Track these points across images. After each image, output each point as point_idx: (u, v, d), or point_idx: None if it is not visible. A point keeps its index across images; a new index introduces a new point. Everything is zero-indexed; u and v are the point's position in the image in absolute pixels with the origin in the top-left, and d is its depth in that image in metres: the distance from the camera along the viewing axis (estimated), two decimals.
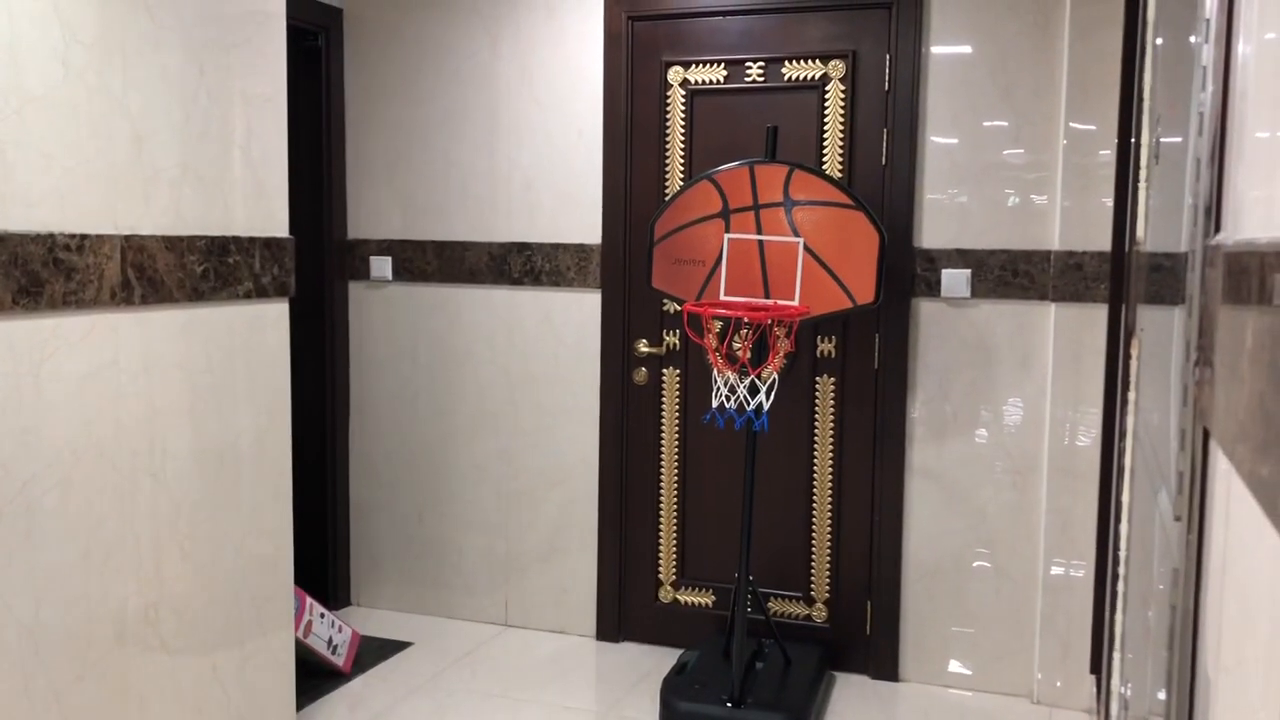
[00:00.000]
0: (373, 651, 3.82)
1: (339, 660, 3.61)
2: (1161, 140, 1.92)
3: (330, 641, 3.59)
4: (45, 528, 2.26)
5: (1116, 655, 2.21)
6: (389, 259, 4.13)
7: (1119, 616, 2.21)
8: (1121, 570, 2.17)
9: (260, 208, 2.81)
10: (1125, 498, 2.13)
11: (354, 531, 4.30)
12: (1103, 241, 3.32)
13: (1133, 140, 2.59)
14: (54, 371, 2.27)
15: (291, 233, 2.93)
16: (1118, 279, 3.19)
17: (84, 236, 2.31)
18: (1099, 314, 3.34)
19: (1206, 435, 0.94)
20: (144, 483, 2.50)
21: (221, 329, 2.71)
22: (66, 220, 2.28)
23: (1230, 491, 0.85)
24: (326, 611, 3.61)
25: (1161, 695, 1.32)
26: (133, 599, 2.47)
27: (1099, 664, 3.17)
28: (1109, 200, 3.30)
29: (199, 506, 2.65)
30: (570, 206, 3.90)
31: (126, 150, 2.42)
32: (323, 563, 4.24)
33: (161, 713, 2.56)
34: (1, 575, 2.17)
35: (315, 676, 3.53)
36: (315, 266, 4.10)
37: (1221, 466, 0.88)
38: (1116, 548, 2.23)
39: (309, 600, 3.53)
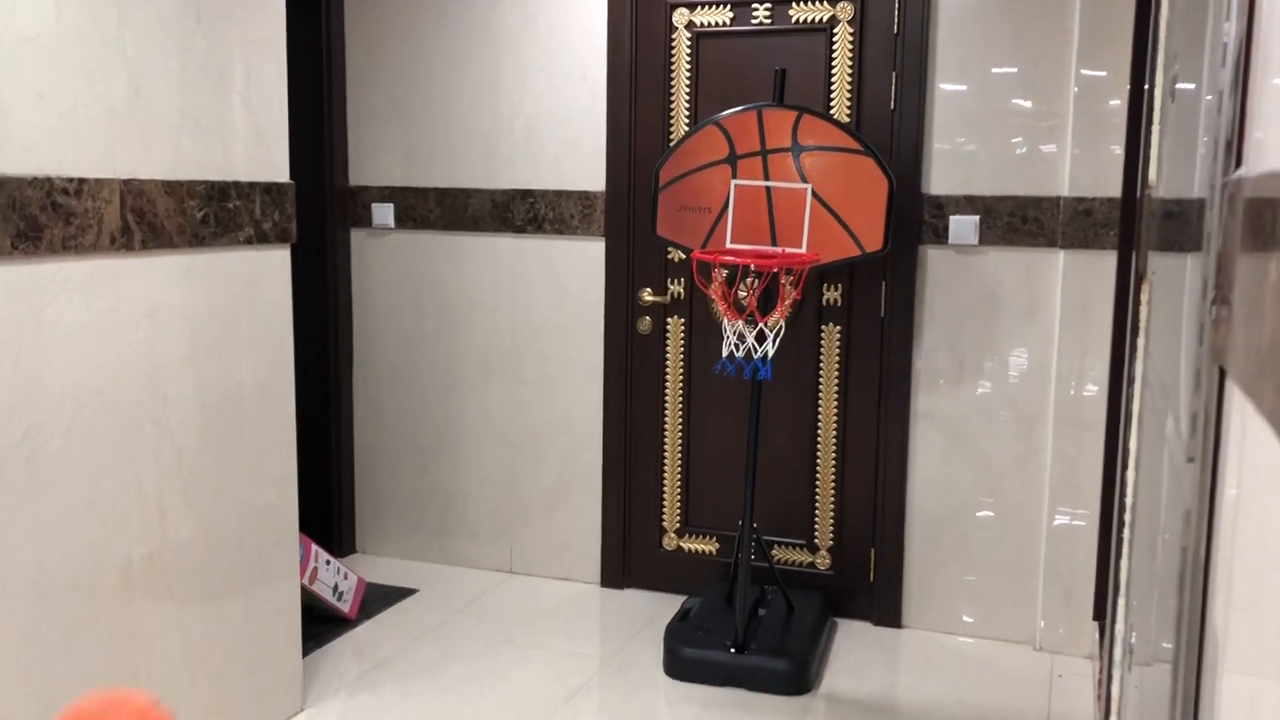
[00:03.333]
0: (378, 598, 3.85)
1: (345, 607, 3.63)
2: (1178, 85, 1.89)
3: (336, 588, 3.61)
4: (49, 475, 2.25)
5: (1121, 601, 2.21)
6: (391, 206, 4.09)
7: (1124, 563, 2.20)
8: (1128, 517, 2.17)
9: (260, 153, 2.78)
10: (1133, 444, 2.11)
11: (359, 479, 4.31)
12: (1113, 188, 3.29)
13: (1146, 86, 2.54)
14: (55, 318, 2.25)
15: (293, 179, 2.90)
16: (1128, 225, 3.16)
17: (82, 180, 2.28)
18: (1108, 261, 3.31)
19: (1222, 375, 0.92)
20: (147, 430, 2.49)
21: (223, 275, 2.69)
22: (65, 164, 2.25)
23: (1246, 430, 0.83)
24: (332, 559, 3.63)
25: (1166, 644, 1.31)
26: (138, 546, 2.48)
27: (1102, 611, 3.19)
28: (1119, 149, 3.26)
29: (203, 454, 2.65)
30: (574, 152, 3.85)
31: (124, 94, 2.38)
32: (328, 510, 4.25)
33: (169, 658, 2.58)
34: (7, 522, 2.17)
35: (321, 623, 3.55)
36: (317, 214, 4.07)
37: (1237, 405, 0.87)
38: (1123, 495, 2.22)
39: (314, 547, 3.54)
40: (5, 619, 2.19)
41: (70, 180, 2.26)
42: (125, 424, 2.43)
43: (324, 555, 3.58)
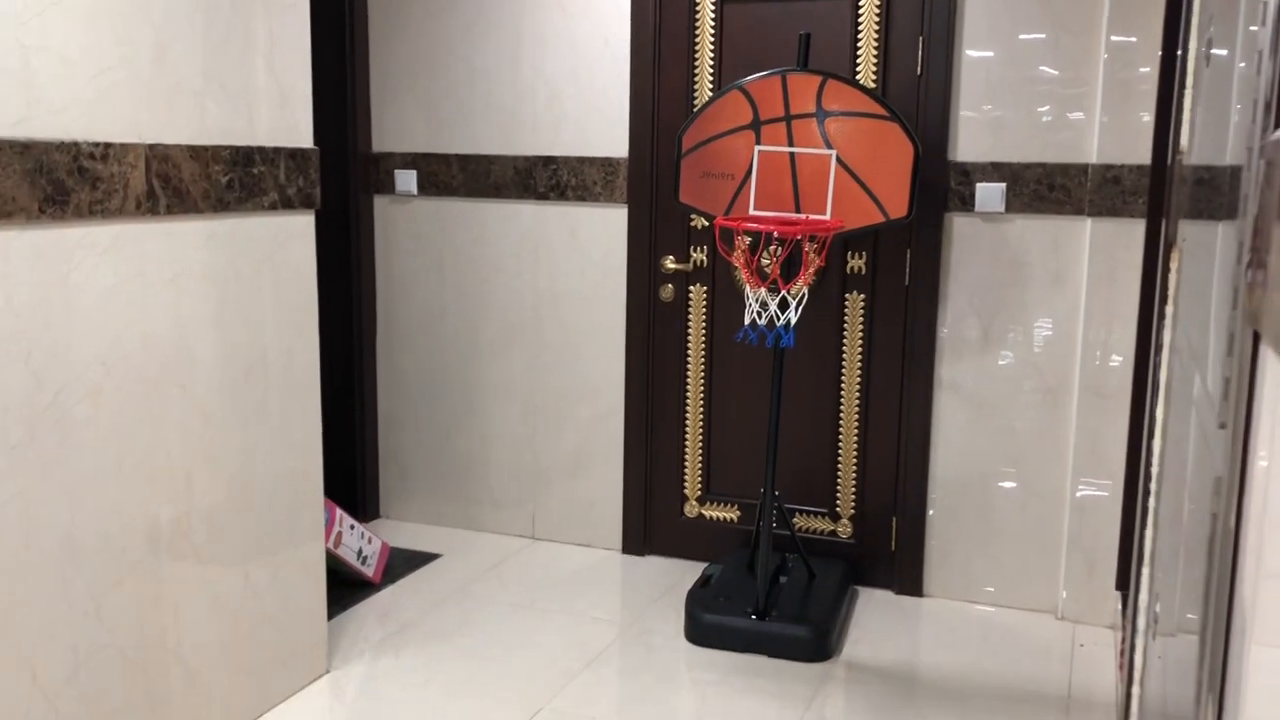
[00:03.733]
0: (402, 563, 3.88)
1: (369, 571, 3.67)
2: (1212, 50, 1.86)
3: (360, 552, 3.64)
4: (78, 437, 2.28)
5: (1145, 571, 2.20)
6: (414, 172, 4.09)
7: (1149, 533, 2.19)
8: (1153, 486, 2.16)
9: (284, 118, 2.78)
10: (1159, 413, 2.10)
11: (383, 445, 4.33)
12: (1142, 155, 3.25)
13: (1179, 52, 2.50)
14: (82, 281, 2.27)
15: (316, 145, 2.90)
16: (1157, 193, 3.12)
17: (108, 145, 2.29)
18: (1136, 229, 3.28)
19: (1256, 339, 0.91)
20: (173, 394, 2.51)
21: (247, 241, 2.69)
22: (91, 128, 2.26)
23: None
24: (356, 523, 3.66)
25: (1191, 614, 1.31)
26: (165, 508, 2.51)
27: (1125, 581, 3.18)
28: (1148, 115, 3.22)
29: (228, 419, 2.67)
30: (596, 119, 3.84)
31: (150, 57, 2.38)
32: (352, 475, 4.29)
33: (196, 619, 2.61)
34: (38, 483, 2.20)
35: (346, 586, 3.59)
36: (340, 180, 4.07)
37: (1272, 369, 0.86)
38: (1149, 464, 2.21)
39: (339, 512, 3.57)
40: (37, 577, 2.22)
41: (97, 145, 2.26)
42: (152, 388, 2.45)
43: (348, 520, 3.62)
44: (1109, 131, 3.29)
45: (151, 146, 2.39)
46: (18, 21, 2.10)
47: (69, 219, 2.22)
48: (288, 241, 2.82)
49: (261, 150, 2.70)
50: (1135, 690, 2.25)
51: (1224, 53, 1.65)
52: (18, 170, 2.10)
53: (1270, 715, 0.83)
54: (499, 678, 3.09)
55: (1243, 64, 1.28)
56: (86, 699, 2.35)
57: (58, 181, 2.18)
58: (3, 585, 2.16)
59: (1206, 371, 1.41)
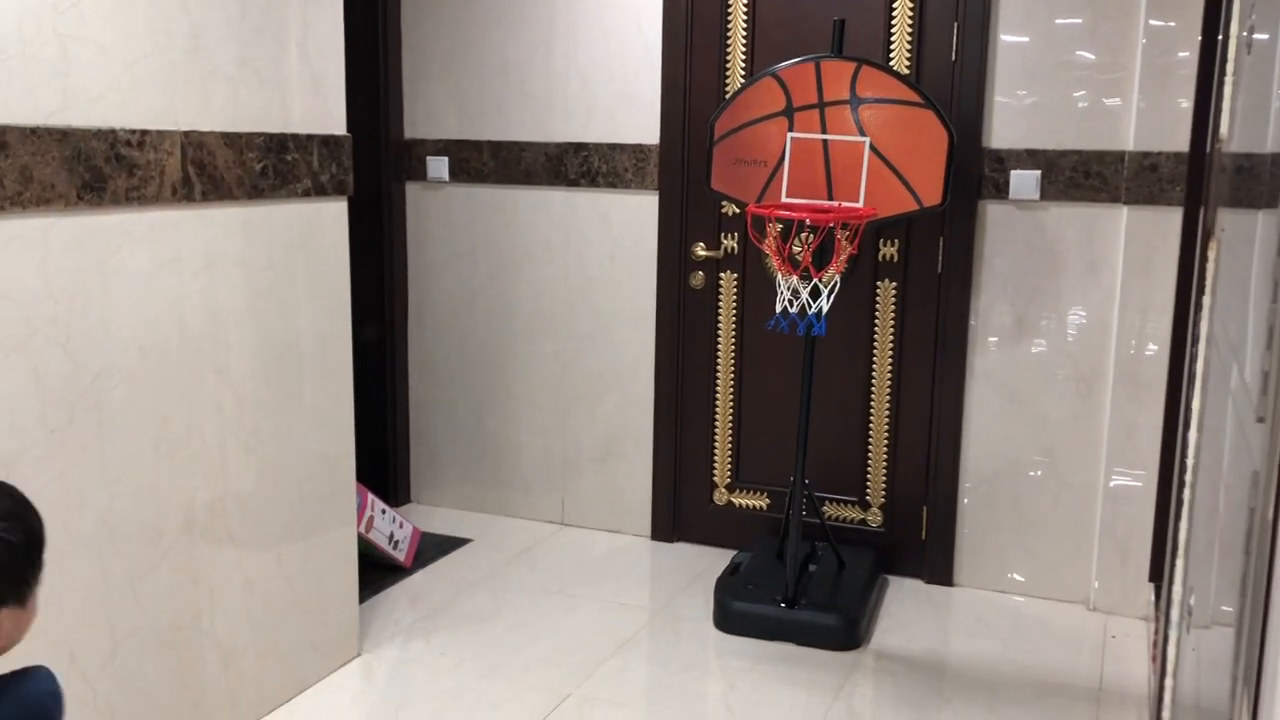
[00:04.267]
0: (433, 547, 3.91)
1: (400, 555, 3.70)
2: (1255, 35, 1.83)
3: (391, 537, 3.67)
4: (116, 421, 2.31)
5: (1179, 563, 2.18)
6: (445, 159, 4.10)
7: (1183, 524, 2.17)
8: (1188, 478, 2.14)
9: (318, 105, 2.79)
10: (1195, 404, 2.08)
11: (414, 430, 4.36)
12: (1180, 142, 3.20)
13: (1219, 37, 2.47)
14: (119, 267, 2.29)
15: (349, 131, 2.91)
16: (1195, 181, 3.08)
17: (144, 132, 2.31)
18: (1173, 217, 3.23)
19: None
20: (209, 379, 2.54)
21: (281, 227, 2.71)
22: (127, 116, 2.28)
23: None
24: (388, 508, 3.68)
25: (1227, 607, 1.30)
26: (200, 492, 2.53)
27: (1159, 572, 3.15)
28: (1187, 102, 3.17)
29: (262, 403, 2.69)
30: (628, 105, 3.83)
31: (185, 45, 2.40)
32: (384, 461, 4.32)
33: (230, 601, 2.64)
34: (77, 466, 2.23)
35: (377, 570, 3.62)
36: (373, 167, 4.09)
37: None
38: (1184, 455, 2.19)
39: (370, 496, 3.60)
40: (75, 558, 2.25)
41: (133, 132, 2.28)
42: (188, 372, 2.48)
43: (380, 504, 3.64)
44: (1146, 118, 3.25)
45: (187, 133, 2.41)
46: (55, 11, 2.12)
47: (106, 206, 2.25)
48: (321, 228, 2.84)
49: (295, 137, 2.71)
50: (1168, 682, 2.23)
51: (1266, 38, 1.63)
52: (56, 158, 2.13)
53: None
54: (529, 662, 3.11)
55: None
56: (123, 679, 2.38)
57: (95, 169, 2.21)
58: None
59: (1245, 363, 1.39)
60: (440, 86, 4.09)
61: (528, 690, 2.95)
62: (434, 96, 4.10)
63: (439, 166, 4.11)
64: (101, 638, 2.32)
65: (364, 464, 3.49)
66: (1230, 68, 2.07)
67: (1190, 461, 2.13)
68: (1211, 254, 2.08)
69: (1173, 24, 3.18)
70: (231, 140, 2.53)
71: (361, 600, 3.18)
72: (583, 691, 2.95)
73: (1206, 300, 2.08)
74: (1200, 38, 3.09)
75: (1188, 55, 3.17)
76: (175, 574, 2.49)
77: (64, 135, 2.14)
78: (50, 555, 2.19)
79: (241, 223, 2.59)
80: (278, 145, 2.66)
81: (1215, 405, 1.88)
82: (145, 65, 2.31)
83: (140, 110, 2.31)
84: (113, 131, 2.24)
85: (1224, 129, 2.10)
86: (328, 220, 2.86)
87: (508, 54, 3.96)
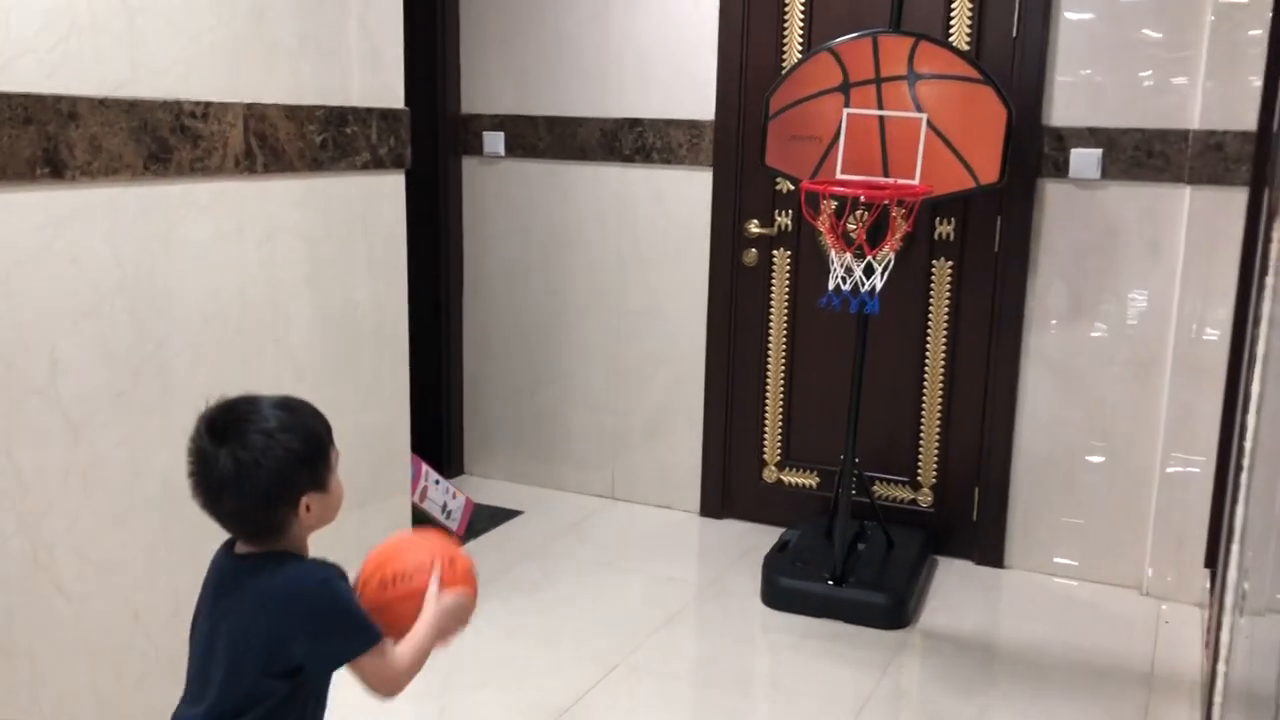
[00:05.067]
0: (485, 519, 3.96)
1: (453, 525, 3.75)
2: None
3: (445, 507, 3.72)
4: (178, 387, 2.37)
5: (1235, 548, 2.15)
6: (501, 134, 4.13)
7: (1239, 509, 2.14)
8: (1245, 462, 2.10)
9: (377, 79, 2.82)
10: (1255, 387, 2.04)
11: (467, 403, 4.41)
12: (1248, 121, 3.13)
13: None
14: (183, 237, 2.35)
15: (407, 106, 2.94)
16: (1262, 160, 3.01)
17: (209, 104, 2.36)
18: (1239, 198, 3.17)
19: None
20: (268, 349, 2.59)
21: (340, 200, 2.75)
22: (191, 88, 2.33)
23: None
24: (441, 479, 3.74)
25: None
26: None
27: (1214, 559, 3.11)
28: (1258, 80, 3.10)
29: (320, 373, 2.74)
30: (683, 80, 3.82)
31: (248, 18, 2.44)
32: (438, 432, 4.37)
33: None
34: (142, 429, 2.29)
35: None
36: (430, 141, 4.13)
37: None
38: (1242, 439, 2.16)
39: (425, 467, 3.65)
40: (140, 520, 2.32)
41: (197, 104, 2.33)
42: (249, 341, 2.53)
43: (434, 475, 3.70)
44: (1213, 96, 3.18)
45: (249, 105, 2.46)
46: None
47: (171, 176, 2.30)
48: (379, 200, 2.88)
49: (354, 110, 2.75)
50: (1220, 668, 2.21)
51: None
52: (124, 129, 2.18)
53: None
54: (578, 632, 3.14)
55: None
56: (184, 639, 2.45)
57: (161, 139, 2.26)
58: (109, 526, 2.26)
59: None
60: (497, 62, 4.11)
61: (577, 660, 2.98)
62: (490, 71, 4.12)
63: (495, 141, 4.14)
64: (164, 598, 2.39)
65: (419, 435, 3.55)
66: None
67: (1248, 445, 2.10)
68: (1276, 234, 2.04)
69: (1244, 1, 3.11)
70: (293, 113, 2.57)
71: None
72: (630, 662, 2.98)
73: (1270, 281, 2.04)
74: (1271, 14, 3.02)
75: (1259, 33, 3.09)
76: None
77: (131, 106, 2.19)
78: (117, 516, 2.26)
79: (301, 194, 2.64)
80: (337, 118, 2.70)
81: (1275, 389, 1.85)
82: (210, 38, 2.36)
83: (205, 82, 2.36)
84: (178, 103, 2.29)
85: None
86: (385, 193, 2.90)
87: (564, 29, 3.97)
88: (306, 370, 2.70)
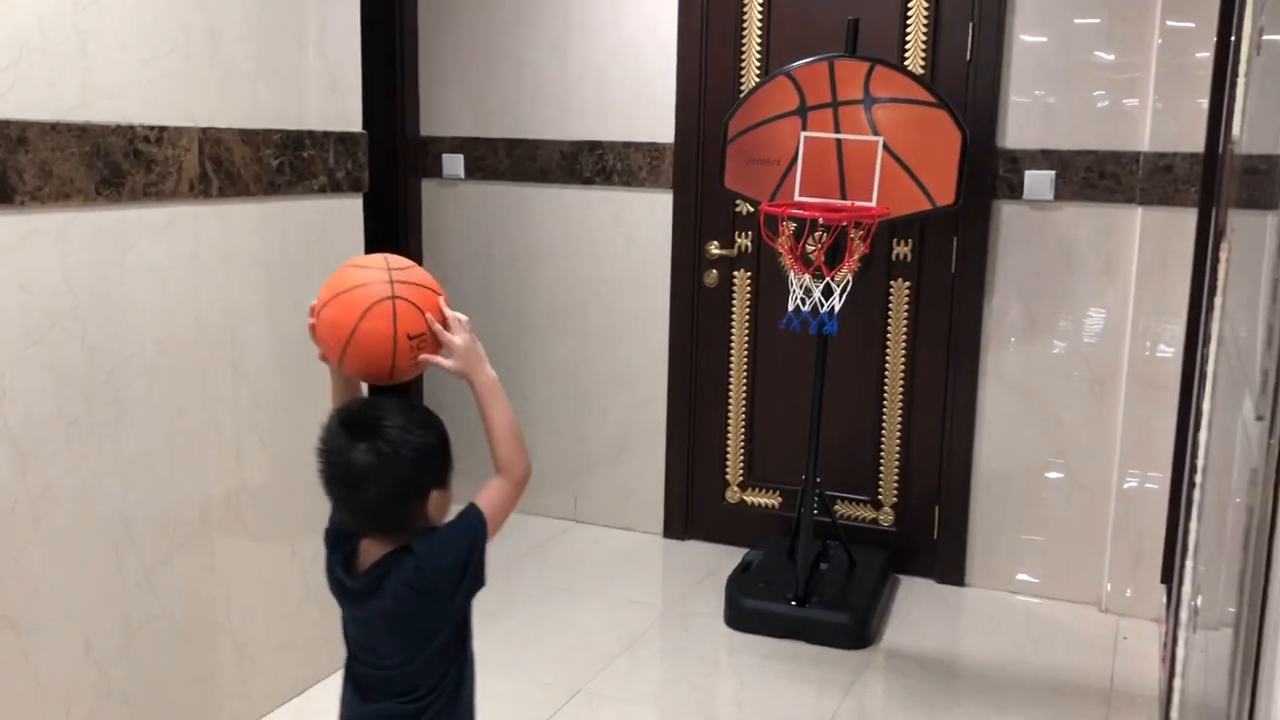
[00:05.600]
0: None
1: None
2: (1265, 36, 1.83)
3: None
4: (133, 414, 2.33)
5: (1189, 564, 2.18)
6: (461, 157, 4.12)
7: (1193, 525, 2.17)
8: (1199, 479, 2.13)
9: (334, 102, 2.81)
10: (1206, 405, 2.07)
11: None
12: (1196, 143, 3.19)
13: (1233, 37, 2.46)
14: (137, 262, 2.32)
15: (365, 129, 2.93)
16: (1210, 182, 3.07)
17: (163, 128, 2.34)
18: (1188, 219, 3.22)
19: None
20: (225, 374, 2.56)
21: (297, 223, 2.74)
22: (146, 112, 2.31)
23: None
24: None
25: (1231, 607, 1.30)
26: (215, 486, 2.56)
27: (1171, 574, 3.14)
28: (1204, 102, 3.16)
29: (278, 399, 2.72)
30: (643, 104, 3.84)
31: (203, 42, 2.43)
32: None
33: (245, 593, 2.67)
34: (94, 458, 2.26)
35: None
36: (389, 164, 4.11)
37: None
38: (1195, 456, 2.18)
39: None
40: (92, 549, 2.28)
41: (151, 128, 2.31)
42: (204, 367, 2.50)
43: None
44: (1163, 118, 3.24)
45: (204, 130, 2.44)
46: (76, 7, 2.14)
47: (125, 200, 2.27)
48: (337, 224, 2.86)
49: (311, 134, 2.74)
50: (1177, 683, 2.23)
51: (1276, 38, 1.63)
52: (76, 153, 2.16)
53: None
54: (539, 658, 3.12)
55: None
56: (138, 669, 2.41)
57: (114, 164, 2.23)
58: (59, 557, 2.22)
59: (1252, 365, 1.39)
60: (456, 85, 4.11)
61: (538, 686, 2.96)
62: (450, 94, 4.12)
63: (454, 164, 4.13)
64: (116, 627, 2.35)
65: None
66: (1242, 69, 2.06)
67: (1200, 462, 2.12)
68: (1223, 255, 2.07)
69: (1190, 24, 3.18)
70: (249, 137, 2.55)
71: None
72: (592, 688, 2.96)
73: (1218, 301, 2.08)
74: (1216, 38, 3.08)
75: (1205, 56, 3.16)
76: (190, 566, 2.51)
77: (83, 131, 2.17)
78: (67, 545, 2.23)
79: (258, 219, 2.62)
80: (294, 142, 2.69)
81: (1226, 406, 1.88)
82: (164, 62, 2.34)
83: (158, 106, 2.34)
84: (131, 128, 2.27)
85: (1236, 130, 2.09)
86: (344, 216, 2.88)
87: (523, 54, 3.98)
88: (263, 396, 2.67)
